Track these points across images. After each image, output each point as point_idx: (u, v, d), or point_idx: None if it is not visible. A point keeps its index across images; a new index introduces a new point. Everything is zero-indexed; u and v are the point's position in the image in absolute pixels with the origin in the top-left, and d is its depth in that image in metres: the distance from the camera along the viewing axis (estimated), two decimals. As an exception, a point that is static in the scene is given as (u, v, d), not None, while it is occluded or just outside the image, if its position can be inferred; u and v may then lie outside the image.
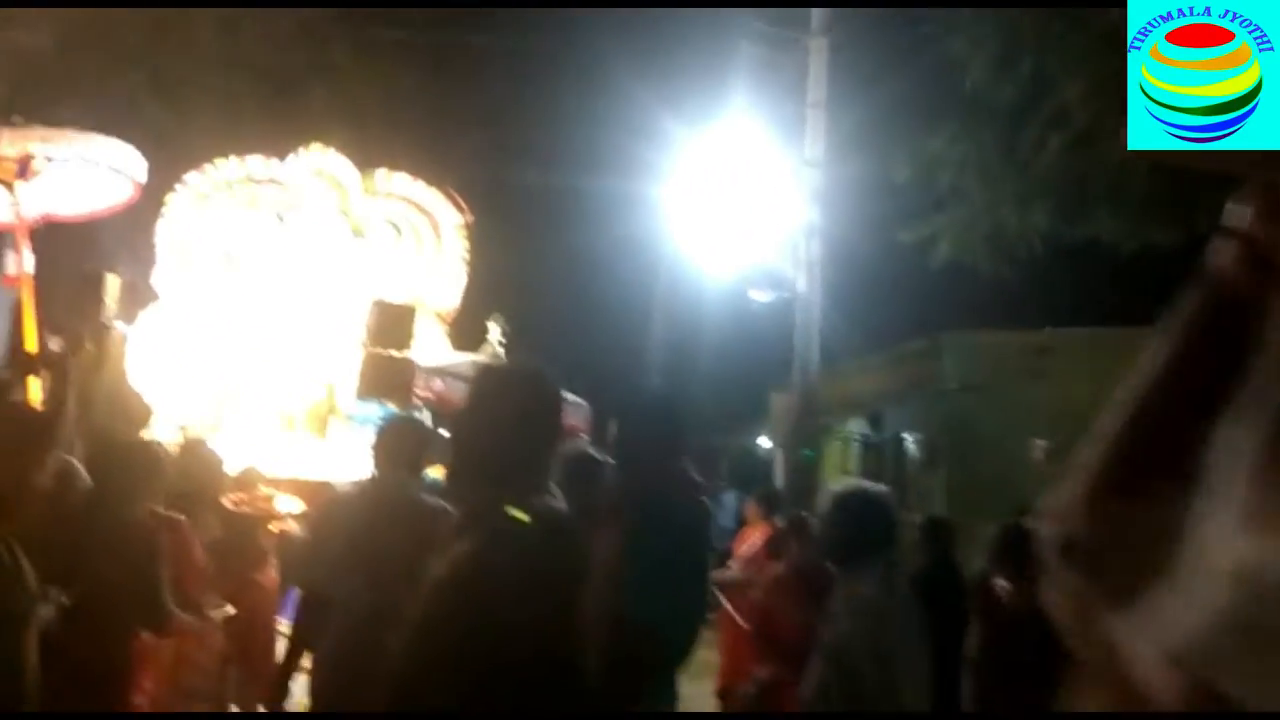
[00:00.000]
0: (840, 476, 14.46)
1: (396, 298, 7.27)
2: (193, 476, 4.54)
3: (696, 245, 11.58)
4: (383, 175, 8.55)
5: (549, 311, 11.84)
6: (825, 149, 11.05)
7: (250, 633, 4.67)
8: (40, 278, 6.43)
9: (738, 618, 5.77)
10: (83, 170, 6.59)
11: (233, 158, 8.35)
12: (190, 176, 8.21)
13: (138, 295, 7.77)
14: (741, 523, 8.30)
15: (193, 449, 5.14)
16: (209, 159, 8.30)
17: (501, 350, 7.98)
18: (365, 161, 8.56)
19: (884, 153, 9.33)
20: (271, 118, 9.53)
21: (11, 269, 6.37)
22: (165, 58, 11.55)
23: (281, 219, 8.25)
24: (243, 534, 4.89)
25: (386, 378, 6.49)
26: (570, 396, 8.07)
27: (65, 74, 10.77)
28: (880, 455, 14.25)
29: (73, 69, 10.90)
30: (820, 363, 11.47)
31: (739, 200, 11.21)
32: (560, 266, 13.00)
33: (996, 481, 11.35)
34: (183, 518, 4.17)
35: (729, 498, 13.30)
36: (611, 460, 3.57)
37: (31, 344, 6.24)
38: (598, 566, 2.02)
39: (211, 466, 4.86)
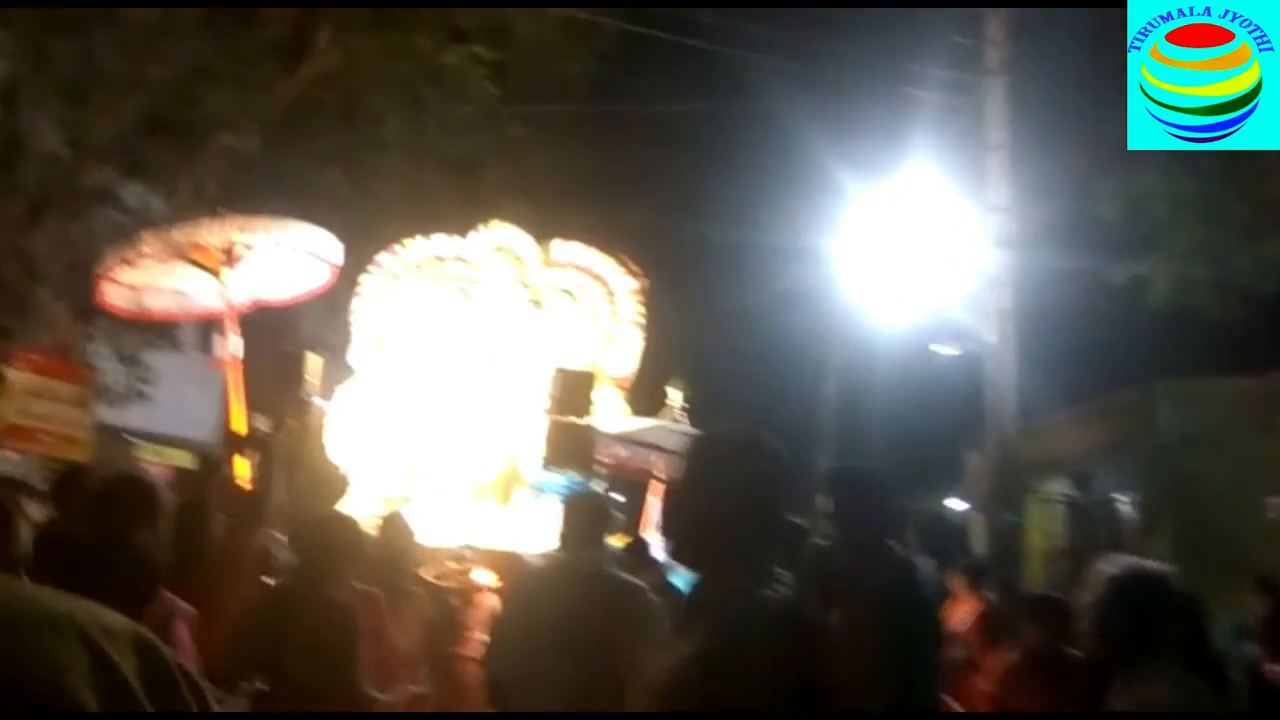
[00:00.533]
0: (1043, 541, 13.34)
1: (576, 365, 7.22)
2: (391, 547, 4.51)
3: (875, 299, 11.10)
4: (558, 245, 8.62)
5: (725, 373, 11.59)
6: (1011, 193, 10.40)
7: (455, 708, 4.55)
8: (247, 359, 6.78)
9: (955, 705, 5.21)
10: (282, 255, 6.96)
11: (419, 238, 8.64)
12: (382, 258, 8.54)
13: (336, 373, 8.08)
14: (941, 595, 7.62)
15: (392, 522, 5.15)
16: (399, 240, 8.62)
17: (683, 416, 7.78)
18: (542, 233, 8.66)
19: (1079, 192, 8.64)
20: (453, 198, 9.87)
21: (220, 353, 6.75)
22: (358, 152, 12.31)
23: (466, 294, 8.41)
24: (445, 608, 4.82)
25: (569, 445, 6.39)
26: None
27: (271, 174, 11.60)
28: (1090, 519, 13.06)
29: (277, 169, 11.74)
30: (1017, 419, 10.65)
31: (918, 251, 10.69)
32: (735, 326, 12.77)
33: (1228, 547, 10.14)
34: (379, 592, 4.11)
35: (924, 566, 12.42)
36: (819, 535, 3.30)
37: (240, 425, 6.55)
38: (844, 656, 1.71)
39: (408, 539, 4.84)
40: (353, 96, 12.16)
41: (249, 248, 6.53)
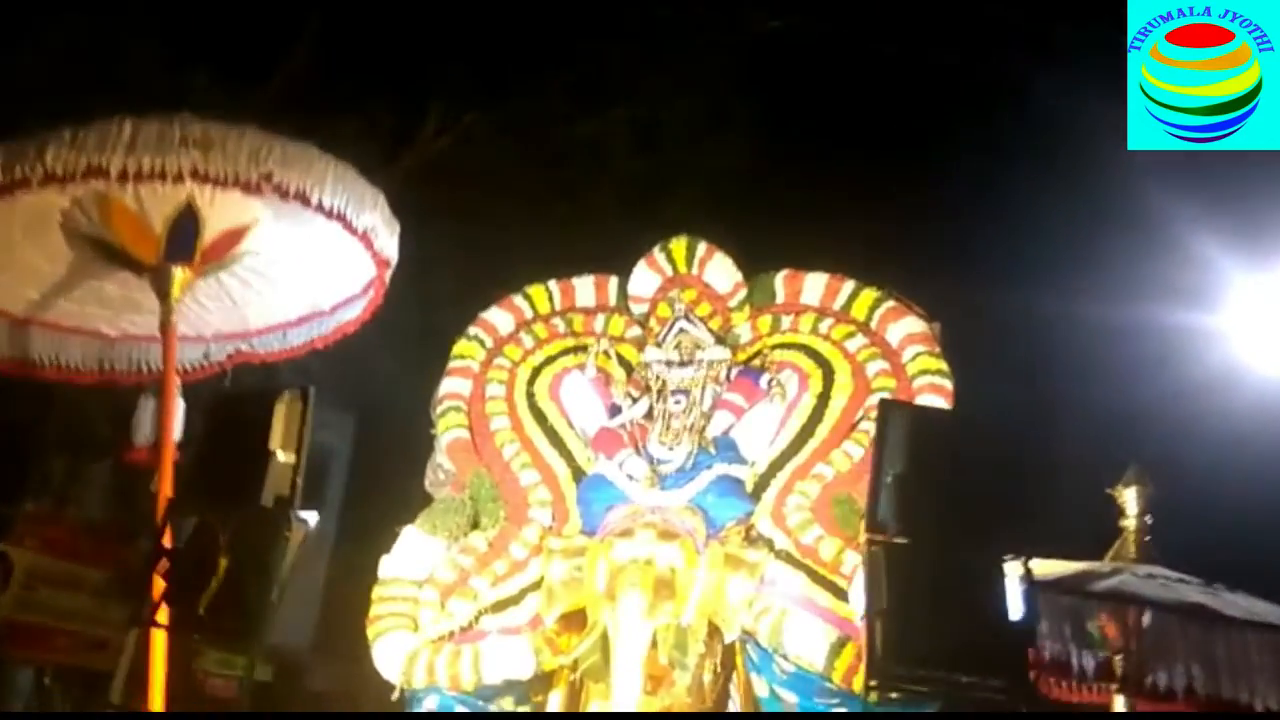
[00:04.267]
0: None
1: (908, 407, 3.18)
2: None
3: None
4: (783, 281, 4.78)
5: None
6: None
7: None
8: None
9: None
10: (294, 248, 3.40)
11: (551, 283, 4.99)
12: (491, 314, 4.89)
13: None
14: None
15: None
16: (519, 291, 5.00)
17: (1145, 535, 3.42)
18: (757, 265, 4.88)
19: None
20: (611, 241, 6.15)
21: (143, 436, 3.14)
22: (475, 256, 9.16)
23: (635, 362, 4.62)
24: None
25: (947, 625, 2.23)
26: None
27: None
28: None
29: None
30: None
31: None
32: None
33: None
34: None
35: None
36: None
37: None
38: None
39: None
40: (470, 190, 9.09)
41: (204, 181, 2.98)
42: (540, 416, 4.53)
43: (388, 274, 3.67)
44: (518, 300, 4.96)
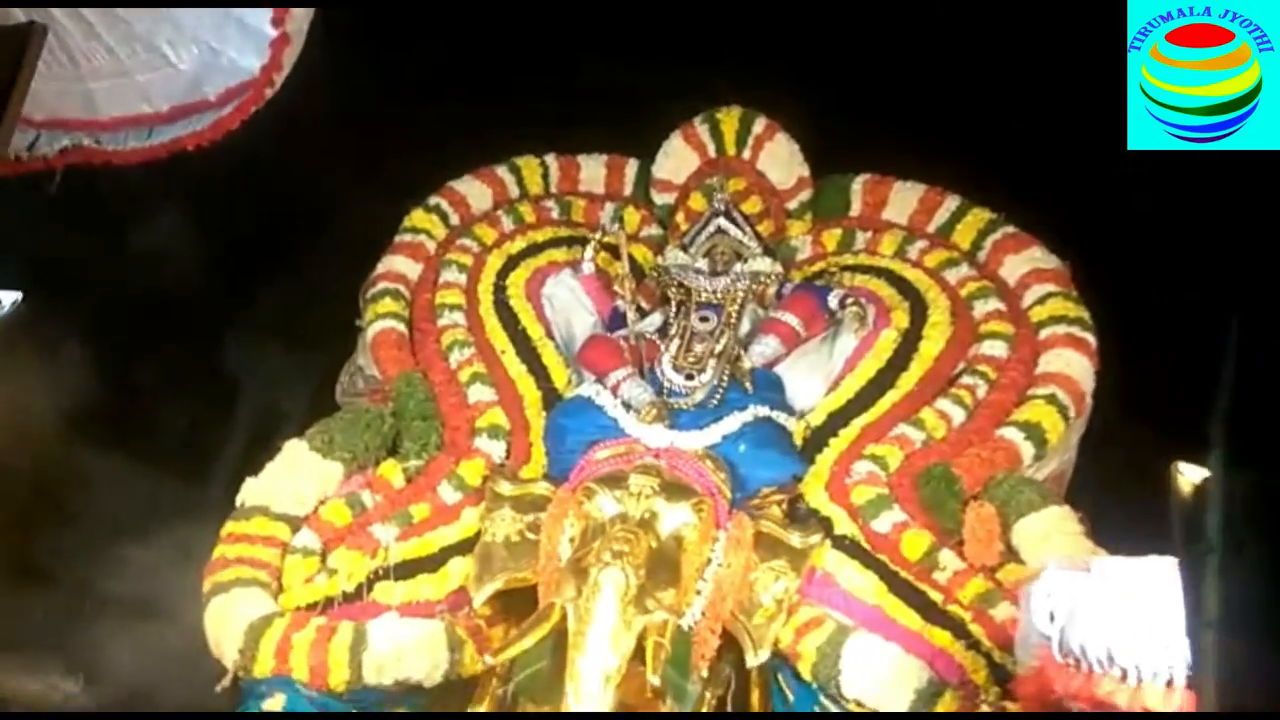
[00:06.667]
0: None
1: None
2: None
3: None
4: (862, 187, 3.52)
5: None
6: None
7: None
8: None
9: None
10: None
11: (549, 156, 3.68)
12: (462, 184, 3.58)
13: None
14: None
15: None
16: (504, 159, 3.68)
17: None
18: (830, 162, 3.58)
19: None
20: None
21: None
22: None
23: (638, 267, 3.32)
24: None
25: None
26: None
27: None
28: None
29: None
30: None
31: None
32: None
33: None
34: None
35: None
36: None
37: None
38: None
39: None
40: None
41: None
42: (510, 318, 3.20)
43: (295, 20, 2.36)
44: (501, 171, 3.66)
